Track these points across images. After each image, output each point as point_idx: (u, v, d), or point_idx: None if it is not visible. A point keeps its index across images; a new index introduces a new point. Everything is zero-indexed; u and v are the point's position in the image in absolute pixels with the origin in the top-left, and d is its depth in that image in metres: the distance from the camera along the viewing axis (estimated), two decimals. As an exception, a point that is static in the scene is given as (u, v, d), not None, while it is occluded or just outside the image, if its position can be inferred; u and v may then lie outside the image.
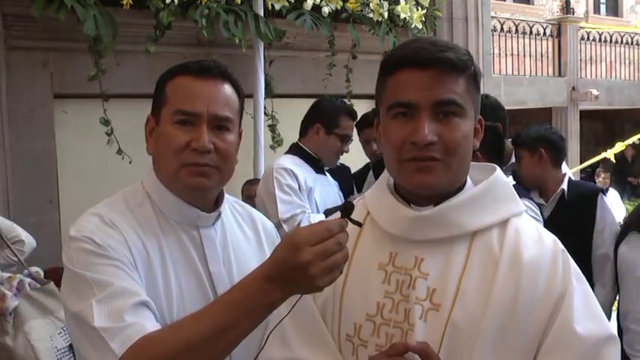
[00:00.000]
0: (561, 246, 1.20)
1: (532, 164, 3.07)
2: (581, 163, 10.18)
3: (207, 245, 1.34)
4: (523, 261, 1.15)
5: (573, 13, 14.91)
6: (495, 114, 2.68)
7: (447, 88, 1.13)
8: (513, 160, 3.19)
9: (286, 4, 4.02)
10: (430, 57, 1.12)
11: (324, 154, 2.94)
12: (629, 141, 8.69)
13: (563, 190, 3.07)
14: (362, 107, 3.42)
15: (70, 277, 1.19)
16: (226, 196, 1.42)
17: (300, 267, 1.01)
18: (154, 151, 1.34)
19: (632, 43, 12.76)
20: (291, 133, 3.37)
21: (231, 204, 1.48)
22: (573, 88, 11.20)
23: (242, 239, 1.43)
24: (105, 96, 3.56)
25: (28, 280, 2.64)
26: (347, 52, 4.48)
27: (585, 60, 11.97)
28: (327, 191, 2.96)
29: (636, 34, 13.03)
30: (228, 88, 1.32)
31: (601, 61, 12.28)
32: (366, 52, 4.48)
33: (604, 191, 3.15)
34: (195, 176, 1.27)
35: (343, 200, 3.00)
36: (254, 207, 1.63)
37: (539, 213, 2.62)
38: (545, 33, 11.29)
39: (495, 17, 10.50)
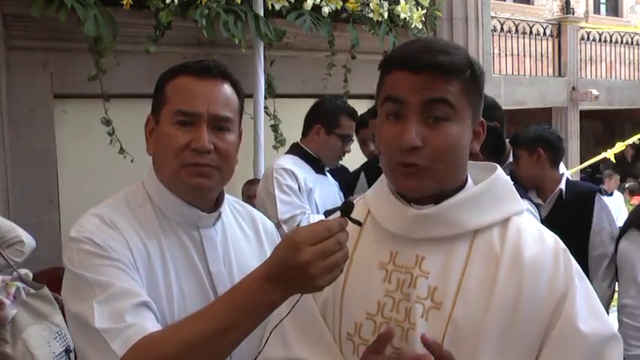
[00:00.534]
0: (562, 245, 1.20)
1: (530, 164, 3.08)
2: (581, 163, 10.19)
3: (208, 245, 1.34)
4: (524, 260, 1.15)
5: (573, 13, 14.90)
6: (493, 114, 2.69)
7: (439, 89, 1.12)
8: (511, 159, 3.20)
9: (286, 4, 4.02)
10: (424, 61, 1.12)
11: (325, 155, 2.94)
12: (629, 141, 8.70)
13: (560, 190, 3.08)
14: (361, 107, 3.42)
15: (71, 278, 1.19)
16: (226, 196, 1.42)
17: (300, 266, 1.01)
18: (154, 152, 1.33)
19: (632, 43, 12.76)
20: (292, 133, 3.38)
21: (232, 204, 1.48)
22: (573, 88, 11.20)
23: (242, 239, 1.43)
24: (105, 96, 3.57)
25: (22, 285, 2.63)
26: (347, 52, 4.49)
27: (585, 60, 11.97)
28: (327, 191, 2.96)
29: (636, 34, 13.03)
30: (228, 88, 1.32)
31: (601, 61, 12.28)
32: (365, 52, 4.48)
33: (601, 191, 3.16)
34: (196, 176, 1.27)
35: (343, 200, 3.00)
36: (254, 207, 1.62)
37: (537, 213, 2.63)
38: (545, 33, 11.29)
39: (495, 17, 10.50)
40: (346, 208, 1.08)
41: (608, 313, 2.60)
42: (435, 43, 1.18)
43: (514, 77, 10.60)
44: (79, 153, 3.75)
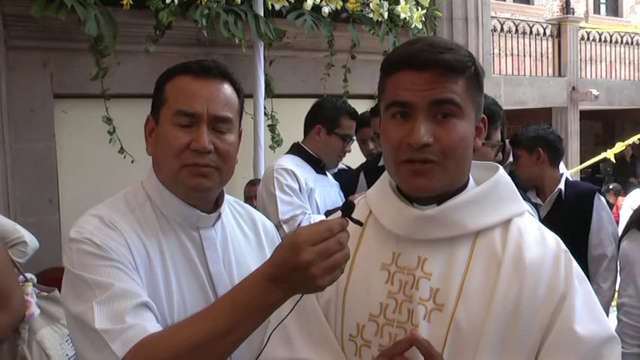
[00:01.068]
0: (564, 246, 1.20)
1: (530, 164, 3.09)
2: (581, 163, 10.19)
3: (208, 246, 1.33)
4: (525, 262, 1.14)
5: (573, 13, 14.90)
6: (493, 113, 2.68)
7: (445, 89, 1.12)
8: (511, 159, 3.20)
9: (286, 4, 4.01)
10: (428, 59, 1.12)
11: (326, 155, 2.93)
12: (629, 141, 8.70)
13: (560, 189, 3.09)
14: (361, 107, 3.41)
15: (71, 278, 1.18)
16: (226, 196, 1.42)
17: (301, 267, 1.00)
18: (154, 152, 1.33)
19: (632, 43, 12.76)
20: (290, 133, 3.37)
21: (232, 204, 1.47)
22: (573, 88, 11.20)
23: (242, 240, 1.43)
24: (106, 96, 3.56)
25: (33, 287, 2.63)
26: (347, 52, 4.49)
27: (585, 60, 11.96)
28: (327, 192, 2.95)
29: (636, 34, 13.02)
30: (228, 88, 1.32)
31: (601, 61, 12.28)
32: (365, 52, 4.48)
33: (600, 191, 3.16)
34: (196, 177, 1.27)
35: (344, 200, 2.99)
36: (254, 207, 1.62)
37: (535, 213, 2.63)
38: (545, 33, 11.29)
39: (495, 17, 10.50)
40: (347, 208, 1.07)
41: (608, 313, 2.61)
42: (437, 42, 1.18)
43: (514, 77, 10.59)
44: (79, 153, 3.75)
